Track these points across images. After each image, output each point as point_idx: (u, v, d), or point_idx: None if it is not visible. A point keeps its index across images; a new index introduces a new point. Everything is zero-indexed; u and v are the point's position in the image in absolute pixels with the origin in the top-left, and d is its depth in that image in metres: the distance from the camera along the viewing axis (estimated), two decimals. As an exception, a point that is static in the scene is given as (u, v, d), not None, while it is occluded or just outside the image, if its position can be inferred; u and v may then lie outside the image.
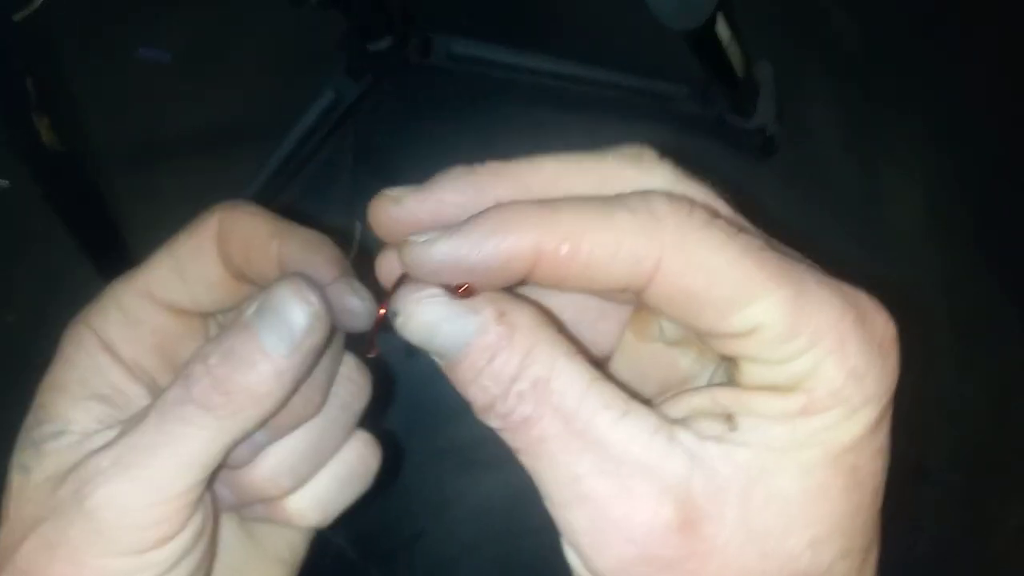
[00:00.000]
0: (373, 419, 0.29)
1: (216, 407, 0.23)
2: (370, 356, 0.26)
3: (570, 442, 0.20)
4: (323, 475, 0.28)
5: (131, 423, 0.24)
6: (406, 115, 0.92)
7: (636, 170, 0.22)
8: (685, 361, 0.25)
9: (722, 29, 0.67)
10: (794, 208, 0.88)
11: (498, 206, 0.21)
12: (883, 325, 0.21)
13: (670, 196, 0.21)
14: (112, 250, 0.83)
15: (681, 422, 0.21)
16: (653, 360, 0.25)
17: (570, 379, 0.21)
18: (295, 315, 0.23)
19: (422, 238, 0.21)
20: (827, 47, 0.94)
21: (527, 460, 0.21)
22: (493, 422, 0.21)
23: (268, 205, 0.27)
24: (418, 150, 0.90)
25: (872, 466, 0.21)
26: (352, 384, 0.28)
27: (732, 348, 0.21)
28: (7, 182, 0.93)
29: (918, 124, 0.91)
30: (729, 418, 0.21)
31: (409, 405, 0.86)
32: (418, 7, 0.85)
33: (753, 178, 0.89)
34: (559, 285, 0.21)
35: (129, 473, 0.23)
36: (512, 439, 0.21)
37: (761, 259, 0.20)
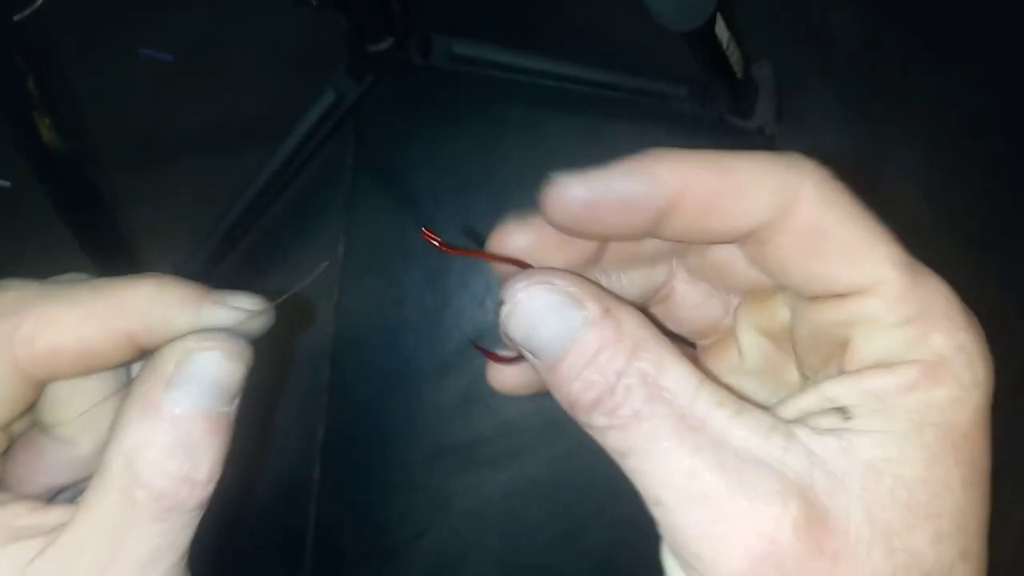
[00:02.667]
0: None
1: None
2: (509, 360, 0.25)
3: (686, 438, 0.19)
4: None
5: None
6: (407, 115, 0.92)
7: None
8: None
9: (721, 30, 0.67)
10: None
11: (642, 153, 0.22)
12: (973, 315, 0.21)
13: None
14: (112, 250, 0.83)
15: (794, 422, 0.20)
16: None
17: (680, 376, 0.20)
18: (224, 372, 0.22)
19: (569, 176, 0.21)
20: (827, 47, 0.94)
21: (635, 462, 0.20)
22: (599, 420, 0.20)
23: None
24: (418, 150, 0.90)
25: (984, 461, 0.20)
26: None
27: (848, 311, 0.21)
28: (7, 182, 0.93)
29: (918, 124, 0.91)
30: (842, 410, 0.20)
31: (410, 404, 0.86)
32: (419, 7, 0.85)
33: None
34: (703, 224, 0.21)
35: None
36: (620, 439, 0.20)
37: (879, 225, 0.21)
